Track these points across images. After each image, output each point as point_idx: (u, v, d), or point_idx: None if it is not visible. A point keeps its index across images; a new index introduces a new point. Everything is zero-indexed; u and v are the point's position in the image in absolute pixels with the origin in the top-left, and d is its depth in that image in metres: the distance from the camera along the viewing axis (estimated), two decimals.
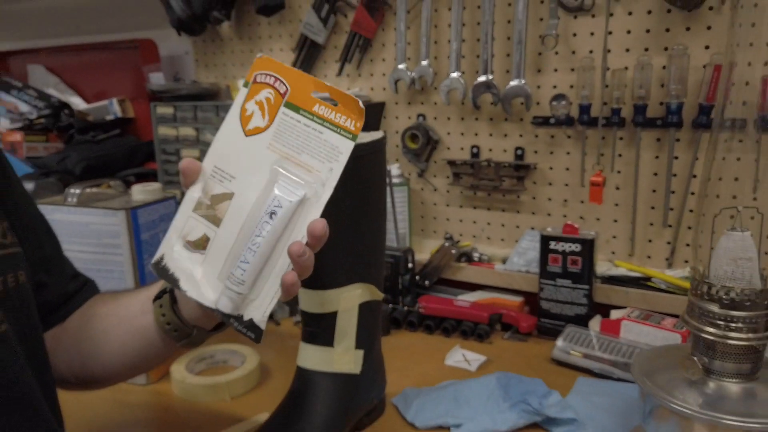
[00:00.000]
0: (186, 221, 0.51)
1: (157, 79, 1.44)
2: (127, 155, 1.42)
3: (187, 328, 0.57)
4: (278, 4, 1.24)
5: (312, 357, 0.70)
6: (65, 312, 0.65)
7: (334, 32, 1.24)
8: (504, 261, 1.11)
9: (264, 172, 0.50)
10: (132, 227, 0.86)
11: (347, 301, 0.70)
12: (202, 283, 0.51)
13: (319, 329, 0.70)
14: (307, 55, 1.27)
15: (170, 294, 0.57)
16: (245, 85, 0.51)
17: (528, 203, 1.11)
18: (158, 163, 1.37)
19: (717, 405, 0.59)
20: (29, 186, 1.14)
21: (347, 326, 0.70)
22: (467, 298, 1.08)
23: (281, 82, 0.50)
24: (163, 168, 1.36)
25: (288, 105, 0.50)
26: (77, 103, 1.55)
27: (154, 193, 0.92)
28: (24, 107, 1.49)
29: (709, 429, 0.59)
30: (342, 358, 0.71)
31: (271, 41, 1.33)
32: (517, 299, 1.06)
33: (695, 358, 0.61)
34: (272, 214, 0.48)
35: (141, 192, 0.91)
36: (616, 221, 1.04)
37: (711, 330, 0.61)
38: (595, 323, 0.94)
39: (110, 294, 0.69)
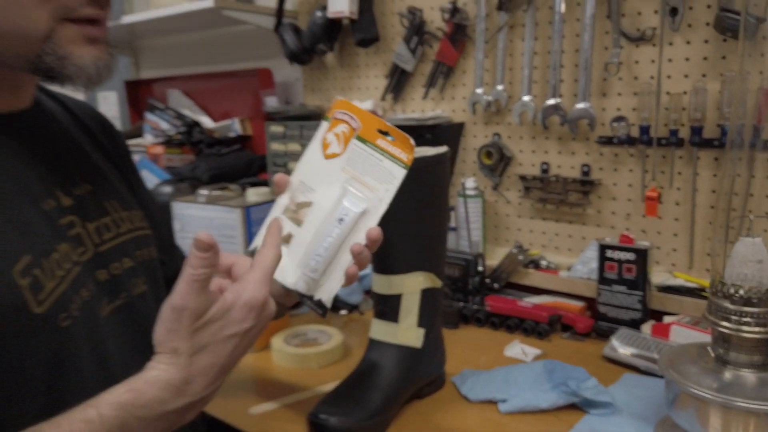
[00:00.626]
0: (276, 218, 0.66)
1: (271, 102, 1.68)
2: (245, 166, 1.66)
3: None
4: (374, 37, 1.43)
5: (380, 330, 0.85)
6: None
7: (421, 61, 1.40)
8: (569, 269, 1.20)
9: (337, 188, 0.64)
10: (246, 222, 1.06)
11: (411, 285, 0.84)
12: (284, 269, 0.64)
13: (387, 308, 0.85)
14: (398, 81, 1.44)
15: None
16: (326, 119, 0.66)
17: (593, 216, 1.20)
18: (269, 173, 1.59)
19: (731, 390, 0.67)
20: (168, 189, 1.39)
21: (411, 306, 0.85)
22: (532, 300, 1.18)
23: (354, 119, 0.64)
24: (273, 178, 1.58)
25: (358, 138, 0.64)
26: (206, 122, 1.83)
27: (263, 195, 1.12)
28: (164, 125, 1.79)
29: (724, 412, 0.67)
30: (405, 333, 0.85)
31: (368, 69, 1.51)
32: (579, 304, 1.15)
33: (709, 348, 0.69)
34: (341, 220, 0.62)
35: (254, 195, 1.12)
36: (676, 235, 1.10)
37: (726, 324, 0.68)
38: (648, 327, 1.01)
39: None
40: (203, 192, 1.11)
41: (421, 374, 0.87)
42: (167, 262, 0.82)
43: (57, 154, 0.65)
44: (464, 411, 0.86)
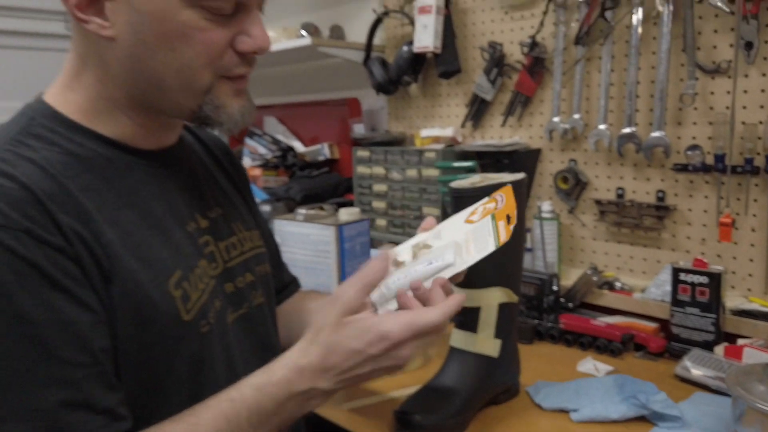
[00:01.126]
0: (404, 248, 0.76)
1: (358, 129, 1.82)
2: (333, 187, 1.80)
3: None
4: (456, 69, 1.53)
5: (460, 339, 0.94)
6: (281, 298, 0.96)
7: (500, 91, 1.49)
8: (643, 291, 1.24)
9: (452, 243, 0.72)
10: (339, 238, 1.18)
11: (489, 299, 0.93)
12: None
13: (467, 319, 0.94)
14: (477, 110, 1.54)
15: None
16: (488, 194, 0.76)
17: (668, 240, 1.23)
18: (355, 194, 1.72)
19: None
20: (267, 208, 1.55)
21: (488, 319, 0.93)
22: (605, 320, 1.23)
23: (502, 201, 0.73)
24: (359, 198, 1.71)
25: (492, 216, 0.73)
26: (298, 146, 2.00)
27: (354, 215, 1.24)
28: (262, 149, 1.98)
29: None
30: (483, 342, 0.93)
31: (449, 98, 1.62)
32: (653, 325, 1.18)
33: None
34: (430, 262, 0.71)
35: (346, 214, 1.24)
36: (751, 260, 1.12)
37: None
38: (720, 349, 1.03)
39: (309, 293, 0.99)
40: (301, 211, 1.25)
41: (497, 381, 0.95)
42: (275, 276, 0.93)
43: (196, 182, 0.78)
44: (537, 418, 0.93)
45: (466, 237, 0.72)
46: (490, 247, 0.70)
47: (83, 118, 0.66)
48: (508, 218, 0.71)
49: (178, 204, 0.72)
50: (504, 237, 0.70)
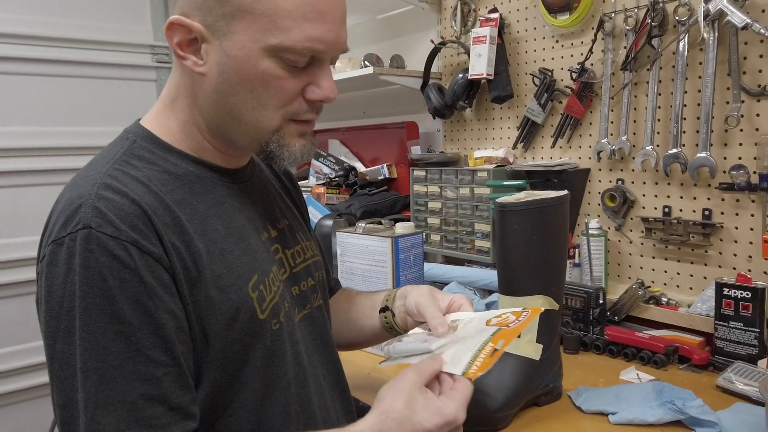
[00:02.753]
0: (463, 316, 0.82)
1: (415, 150, 1.93)
2: (391, 205, 1.91)
3: (399, 330, 0.93)
4: (508, 94, 1.62)
5: None
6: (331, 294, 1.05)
7: (550, 114, 1.56)
8: (689, 306, 1.27)
9: (463, 337, 0.75)
10: (395, 250, 1.29)
11: (532, 305, 1.00)
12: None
13: None
14: (528, 132, 1.62)
15: (390, 310, 0.93)
16: (523, 309, 0.81)
17: (715, 257, 1.26)
18: (411, 211, 1.83)
19: None
20: (329, 222, 1.67)
21: (531, 324, 1.00)
22: (650, 333, 1.27)
23: (518, 322, 0.76)
24: (415, 215, 1.81)
25: (498, 329, 0.74)
26: (359, 167, 2.12)
27: (409, 229, 1.34)
28: (326, 170, 2.12)
29: None
30: (526, 346, 1.00)
31: (501, 121, 1.71)
32: (698, 339, 1.21)
33: None
34: (429, 349, 0.75)
35: (401, 228, 1.34)
36: None
37: None
38: (764, 362, 1.06)
39: (351, 292, 1.07)
40: (361, 224, 1.36)
41: (538, 383, 1.02)
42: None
43: (267, 196, 0.88)
44: (577, 420, 0.99)
45: (473, 337, 0.74)
46: (455, 370, 0.70)
47: (174, 140, 0.77)
48: (518, 337, 0.73)
49: (254, 216, 0.82)
50: (478, 368, 0.69)
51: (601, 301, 1.31)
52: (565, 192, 1.02)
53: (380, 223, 1.44)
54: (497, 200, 1.02)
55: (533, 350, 1.01)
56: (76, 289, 0.63)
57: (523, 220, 0.99)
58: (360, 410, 1.03)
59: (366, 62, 1.84)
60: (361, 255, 1.34)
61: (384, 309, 0.95)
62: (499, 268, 1.04)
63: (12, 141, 2.17)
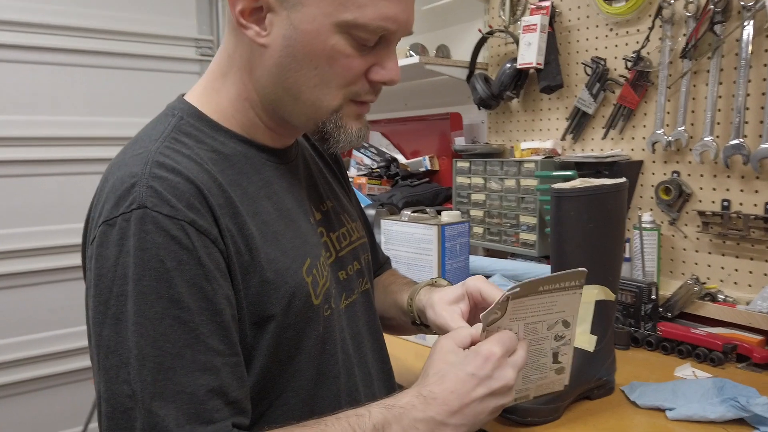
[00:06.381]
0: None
1: (460, 142, 1.90)
2: (433, 196, 1.89)
3: (424, 327, 0.91)
4: (558, 84, 1.59)
5: None
6: (376, 275, 1.03)
7: (602, 105, 1.52)
8: (747, 304, 1.22)
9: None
10: (441, 238, 1.27)
11: (587, 296, 0.97)
12: None
13: None
14: (578, 123, 1.58)
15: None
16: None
17: None
18: (454, 203, 1.80)
19: None
20: (371, 212, 1.67)
21: (586, 314, 0.97)
22: (707, 330, 1.22)
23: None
24: (457, 207, 1.79)
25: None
26: (401, 158, 2.11)
27: (456, 217, 1.32)
28: (367, 161, 2.11)
29: None
30: (580, 337, 0.97)
31: (549, 112, 1.67)
32: (758, 338, 1.16)
33: None
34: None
35: (447, 216, 1.32)
36: None
37: None
38: None
39: (393, 274, 1.05)
40: (406, 212, 1.35)
41: (591, 375, 0.99)
42: (373, 258, 0.98)
43: (311, 177, 0.85)
44: (631, 415, 0.96)
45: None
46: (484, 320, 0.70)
47: (223, 117, 0.73)
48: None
49: (302, 197, 0.79)
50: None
51: (653, 297, 1.27)
52: (624, 179, 0.98)
53: (425, 212, 1.42)
54: (553, 186, 0.99)
55: (587, 342, 0.99)
56: (129, 273, 0.59)
57: (579, 207, 0.96)
58: None
59: (411, 52, 1.83)
60: (406, 243, 1.32)
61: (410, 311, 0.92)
62: (553, 256, 1.01)
63: (59, 130, 2.23)
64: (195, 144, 0.69)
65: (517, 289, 0.70)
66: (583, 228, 0.96)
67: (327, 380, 0.74)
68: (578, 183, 1.00)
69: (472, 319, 0.83)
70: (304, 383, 0.72)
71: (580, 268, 0.75)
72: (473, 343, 0.71)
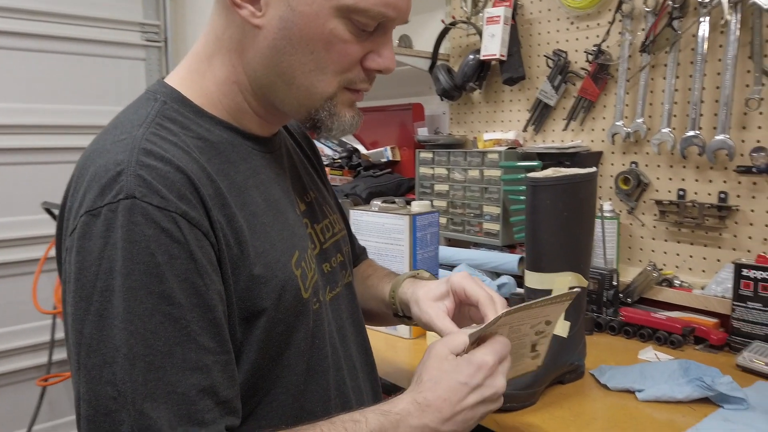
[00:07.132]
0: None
1: (422, 132, 1.91)
2: (396, 187, 1.89)
3: (406, 319, 0.91)
4: (521, 76, 1.61)
5: None
6: (354, 266, 1.00)
7: (563, 96, 1.56)
8: (702, 289, 1.28)
9: None
10: (412, 228, 1.27)
11: (560, 282, 0.99)
12: None
13: None
14: (540, 114, 1.61)
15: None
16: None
17: (729, 240, 1.27)
18: (417, 194, 1.81)
19: None
20: None
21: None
22: (666, 314, 1.27)
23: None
24: (420, 197, 1.79)
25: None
26: (361, 149, 2.10)
27: (426, 207, 1.32)
28: (329, 151, 2.09)
29: None
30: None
31: (511, 104, 1.70)
32: (712, 320, 1.22)
33: None
34: None
35: (418, 206, 1.32)
36: None
37: None
38: None
39: (371, 266, 1.03)
40: (376, 203, 1.34)
41: (565, 360, 1.01)
42: (351, 249, 0.96)
43: (294, 166, 0.83)
44: (603, 397, 0.99)
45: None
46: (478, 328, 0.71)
47: (208, 102, 0.69)
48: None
49: (288, 187, 0.77)
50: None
51: (614, 283, 1.32)
52: (594, 169, 1.01)
53: (393, 202, 1.42)
54: (529, 175, 1.01)
55: (561, 328, 1.01)
56: (116, 267, 0.56)
57: (555, 196, 0.98)
58: (384, 389, 1.01)
59: None
60: (377, 233, 1.31)
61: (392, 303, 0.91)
62: (528, 244, 1.03)
63: None
64: (181, 131, 0.66)
65: (513, 312, 0.70)
66: (558, 216, 0.98)
67: (316, 375, 0.72)
68: (551, 172, 1.02)
69: (456, 316, 0.83)
70: (294, 378, 0.70)
71: (575, 289, 0.77)
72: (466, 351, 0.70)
